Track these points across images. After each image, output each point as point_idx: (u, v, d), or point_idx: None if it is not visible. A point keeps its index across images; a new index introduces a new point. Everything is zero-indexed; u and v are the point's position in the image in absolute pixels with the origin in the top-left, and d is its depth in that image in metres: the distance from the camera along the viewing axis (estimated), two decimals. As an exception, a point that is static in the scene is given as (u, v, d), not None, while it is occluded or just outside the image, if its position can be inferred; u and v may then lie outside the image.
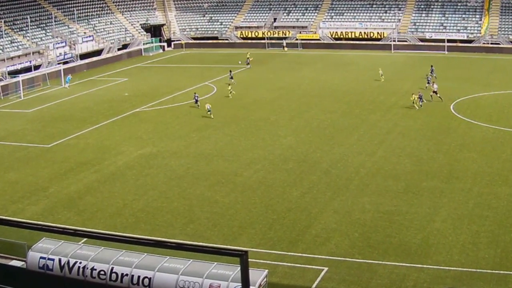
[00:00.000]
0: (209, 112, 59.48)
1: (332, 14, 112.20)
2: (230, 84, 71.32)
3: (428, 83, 68.99)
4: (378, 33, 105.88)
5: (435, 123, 54.98)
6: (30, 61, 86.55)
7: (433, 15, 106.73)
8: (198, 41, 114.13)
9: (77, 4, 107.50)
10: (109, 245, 27.16)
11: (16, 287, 26.83)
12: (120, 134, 55.06)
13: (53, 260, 27.26)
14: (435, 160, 45.11)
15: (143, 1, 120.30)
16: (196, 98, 64.28)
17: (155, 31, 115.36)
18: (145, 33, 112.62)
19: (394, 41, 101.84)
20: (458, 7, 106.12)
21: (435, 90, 63.20)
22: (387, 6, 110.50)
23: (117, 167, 46.26)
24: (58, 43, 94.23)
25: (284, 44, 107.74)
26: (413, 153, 46.86)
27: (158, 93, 71.98)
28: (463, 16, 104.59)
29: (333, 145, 49.43)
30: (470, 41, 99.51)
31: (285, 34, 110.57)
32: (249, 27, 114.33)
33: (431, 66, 77.17)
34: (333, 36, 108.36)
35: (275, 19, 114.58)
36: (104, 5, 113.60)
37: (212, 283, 25.14)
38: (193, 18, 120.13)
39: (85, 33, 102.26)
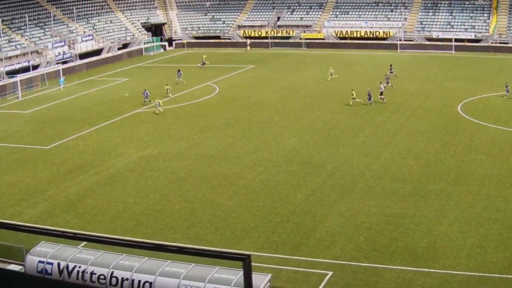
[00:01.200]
0: (158, 108, 62.00)
1: (337, 13, 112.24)
2: (168, 85, 71.55)
3: (387, 82, 69.31)
4: (384, 32, 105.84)
5: (442, 124, 54.97)
6: (29, 61, 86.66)
7: (440, 14, 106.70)
8: (200, 41, 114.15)
9: (76, 3, 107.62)
10: (109, 248, 27.21)
11: (14, 292, 26.91)
12: (120, 136, 55.12)
13: (52, 264, 27.31)
14: (442, 162, 45.10)
15: (144, 0, 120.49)
16: (145, 94, 67.15)
17: (156, 30, 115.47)
18: (146, 32, 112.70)
19: (400, 40, 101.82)
20: (466, 5, 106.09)
21: (382, 90, 63.67)
22: (393, 4, 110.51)
23: (117, 169, 46.31)
24: (57, 43, 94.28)
25: (248, 43, 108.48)
26: (420, 155, 46.86)
27: (159, 93, 71.95)
28: (471, 15, 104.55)
29: (338, 147, 49.44)
30: (478, 41, 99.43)
31: (289, 33, 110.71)
32: (252, 26, 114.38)
33: (390, 65, 77.67)
34: (338, 36, 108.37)
35: (278, 18, 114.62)
36: (104, 3, 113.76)
37: (214, 288, 25.18)
38: (195, 17, 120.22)
39: (84, 32, 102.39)
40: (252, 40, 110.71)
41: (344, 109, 61.25)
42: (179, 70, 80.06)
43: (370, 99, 62.24)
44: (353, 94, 62.77)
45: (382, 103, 62.58)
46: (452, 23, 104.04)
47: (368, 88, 63.89)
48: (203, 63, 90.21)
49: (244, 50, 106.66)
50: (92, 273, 26.61)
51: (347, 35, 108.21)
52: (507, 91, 64.31)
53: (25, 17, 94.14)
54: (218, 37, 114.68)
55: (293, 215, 36.83)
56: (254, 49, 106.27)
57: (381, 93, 63.36)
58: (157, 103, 62.57)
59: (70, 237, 26.78)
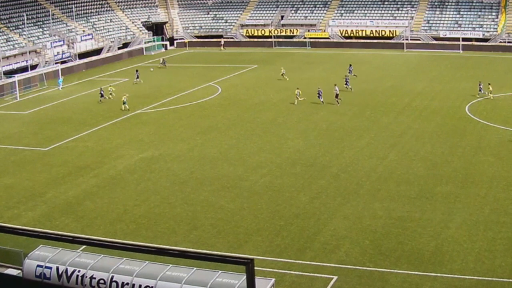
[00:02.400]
0: (124, 104, 63.87)
1: (342, 11, 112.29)
2: (110, 85, 72.66)
3: (346, 84, 69.47)
4: (390, 31, 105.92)
5: (449, 125, 54.95)
6: (27, 61, 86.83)
7: (448, 12, 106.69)
8: (202, 40, 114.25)
9: (75, 1, 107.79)
10: (109, 252, 27.20)
11: (12, 297, 26.97)
12: (120, 137, 55.17)
13: (50, 268, 27.29)
14: (449, 164, 45.07)
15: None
16: (101, 92, 68.81)
17: (157, 29, 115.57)
18: (146, 31, 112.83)
19: (407, 39, 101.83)
20: (474, 4, 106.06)
21: (337, 93, 63.72)
22: (399, 3, 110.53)
23: (117, 172, 46.35)
24: (56, 42, 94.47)
25: (222, 43, 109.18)
26: (427, 156, 46.84)
27: (160, 94, 72.13)
28: (479, 13, 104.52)
29: (343, 148, 49.45)
30: (486, 40, 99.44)
31: (293, 33, 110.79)
32: (255, 25, 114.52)
33: (350, 65, 78.05)
34: (343, 35, 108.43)
35: (282, 17, 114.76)
36: (103, 2, 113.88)
37: (217, 292, 25.15)
38: (197, 16, 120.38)
39: (84, 31, 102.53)
40: (255, 40, 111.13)
41: (349, 110, 61.24)
42: (137, 71, 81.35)
43: (320, 97, 63.62)
44: (296, 92, 64.60)
45: (336, 105, 62.88)
46: (459, 22, 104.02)
47: (318, 87, 65.29)
48: (163, 62, 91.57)
49: (219, 50, 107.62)
50: (91, 278, 26.58)
51: (352, 34, 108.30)
52: (480, 90, 64.64)
53: (23, 15, 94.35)
54: (221, 36, 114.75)
55: (297, 218, 36.83)
56: (256, 48, 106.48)
57: (336, 95, 63.46)
58: (124, 99, 64.27)
59: (69, 240, 26.79)
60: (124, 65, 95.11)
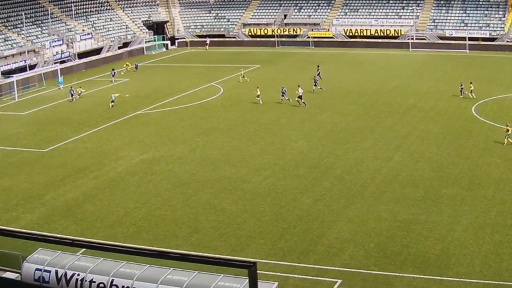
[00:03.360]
0: (112, 103, 65.45)
1: (346, 10, 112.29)
2: (81, 87, 73.98)
3: (315, 85, 69.76)
4: (395, 30, 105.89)
5: (455, 126, 54.92)
6: (25, 61, 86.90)
7: (454, 11, 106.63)
8: (203, 39, 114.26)
9: (75, 0, 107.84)
10: (109, 256, 27.21)
11: (11, 300, 26.97)
12: (120, 138, 55.19)
13: (49, 272, 27.32)
14: (455, 165, 45.04)
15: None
16: (71, 92, 70.19)
17: (157, 28, 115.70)
18: (147, 30, 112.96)
19: (412, 39, 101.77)
20: (480, 3, 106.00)
21: (300, 94, 63.72)
22: (404, 1, 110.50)
23: (117, 173, 46.36)
24: (55, 41, 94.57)
25: (207, 42, 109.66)
26: (433, 158, 46.81)
27: (161, 94, 72.15)
28: (486, 12, 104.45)
29: (347, 150, 49.43)
30: (493, 39, 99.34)
31: (296, 32, 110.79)
32: (258, 24, 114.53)
33: (318, 66, 78.18)
34: (347, 34, 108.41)
35: (285, 16, 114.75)
36: (103, 0, 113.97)
37: (219, 296, 25.16)
38: (198, 15, 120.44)
39: (83, 30, 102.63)
40: (258, 39, 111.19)
41: (354, 111, 61.23)
42: (113, 69, 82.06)
43: (283, 95, 64.75)
44: (257, 92, 65.69)
45: (298, 106, 63.20)
46: (466, 21, 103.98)
47: (282, 86, 66.28)
48: (136, 66, 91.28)
49: (204, 49, 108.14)
50: (91, 281, 26.62)
51: (356, 34, 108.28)
52: (461, 91, 64.73)
53: (21, 15, 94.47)
54: (223, 36, 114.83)
55: (301, 221, 36.82)
56: (258, 48, 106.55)
57: (300, 97, 63.51)
58: (112, 97, 65.66)
59: (69, 243, 26.79)
60: (125, 65, 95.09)
